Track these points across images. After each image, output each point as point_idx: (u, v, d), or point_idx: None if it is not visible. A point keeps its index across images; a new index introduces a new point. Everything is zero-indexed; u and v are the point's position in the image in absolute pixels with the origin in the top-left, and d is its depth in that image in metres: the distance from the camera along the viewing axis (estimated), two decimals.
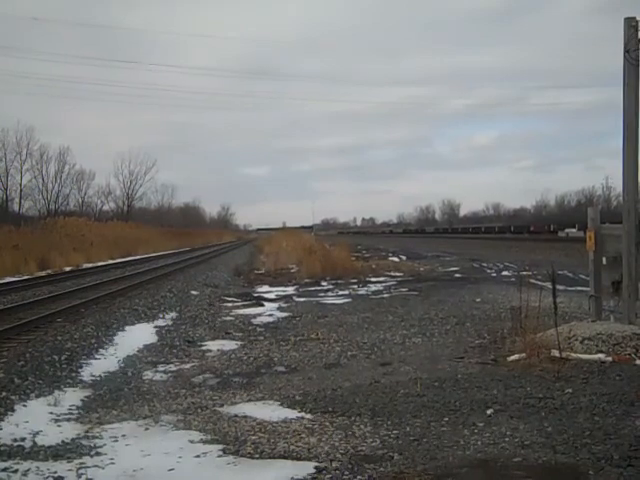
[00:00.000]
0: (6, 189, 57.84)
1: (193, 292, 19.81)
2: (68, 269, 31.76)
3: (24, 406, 7.22)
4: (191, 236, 79.32)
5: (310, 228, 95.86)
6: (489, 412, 6.35)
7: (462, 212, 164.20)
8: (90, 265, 35.23)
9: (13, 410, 7.01)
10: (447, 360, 9.09)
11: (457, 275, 24.09)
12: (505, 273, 24.21)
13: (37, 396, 7.63)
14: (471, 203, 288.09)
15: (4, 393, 7.55)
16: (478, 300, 15.48)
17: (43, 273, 29.03)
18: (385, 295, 17.99)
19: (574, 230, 61.66)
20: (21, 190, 60.06)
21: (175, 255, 48.55)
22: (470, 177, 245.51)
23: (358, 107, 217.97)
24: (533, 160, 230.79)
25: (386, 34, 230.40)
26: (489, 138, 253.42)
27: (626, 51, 9.16)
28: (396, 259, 35.54)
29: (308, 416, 6.59)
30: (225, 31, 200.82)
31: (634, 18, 9.19)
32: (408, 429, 5.97)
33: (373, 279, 23.11)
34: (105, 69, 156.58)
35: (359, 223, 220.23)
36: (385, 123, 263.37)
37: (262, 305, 16.59)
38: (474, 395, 6.99)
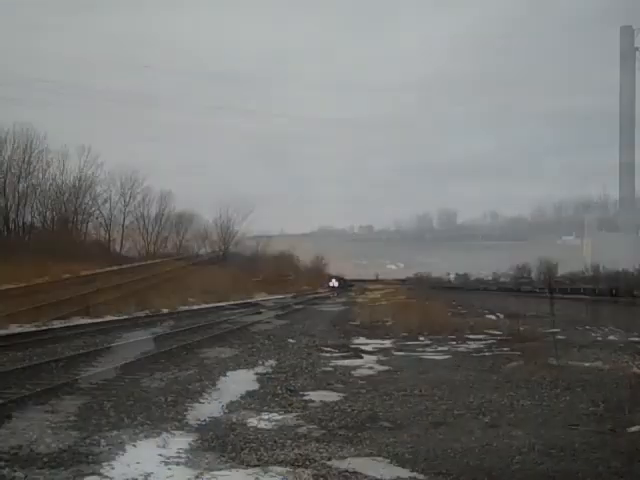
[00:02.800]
0: (109, 230, 60.04)
1: (290, 340, 19.81)
2: (165, 311, 32.48)
3: (134, 446, 7.27)
4: (284, 284, 79.95)
5: (403, 281, 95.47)
6: None
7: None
8: (185, 308, 35.91)
9: (124, 450, 7.06)
10: (561, 427, 8.65)
11: (559, 337, 23.24)
12: (611, 338, 23.21)
13: (146, 437, 7.68)
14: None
15: (115, 432, 7.64)
16: (587, 365, 14.81)
17: (142, 313, 29.78)
18: (487, 353, 17.46)
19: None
20: (123, 231, 62.33)
21: (267, 302, 48.96)
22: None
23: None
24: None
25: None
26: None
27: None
28: (493, 317, 34.70)
29: (421, 477, 6.35)
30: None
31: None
32: None
33: (472, 336, 22.55)
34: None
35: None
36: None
37: (360, 357, 16.36)
38: (596, 466, 6.58)
